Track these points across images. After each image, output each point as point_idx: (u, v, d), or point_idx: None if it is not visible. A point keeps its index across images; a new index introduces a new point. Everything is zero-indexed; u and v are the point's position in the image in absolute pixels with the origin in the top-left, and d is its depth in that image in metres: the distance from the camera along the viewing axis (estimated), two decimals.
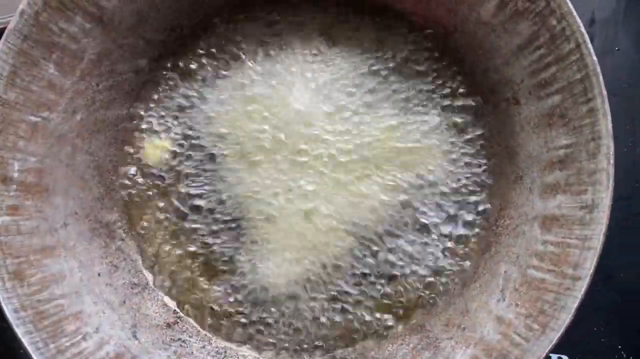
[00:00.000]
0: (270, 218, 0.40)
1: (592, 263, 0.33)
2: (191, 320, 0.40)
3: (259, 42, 0.42)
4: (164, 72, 0.42)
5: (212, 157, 0.41)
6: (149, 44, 0.41)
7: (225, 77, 0.42)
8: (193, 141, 0.42)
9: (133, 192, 0.41)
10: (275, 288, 0.40)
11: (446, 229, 0.41)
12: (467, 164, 0.41)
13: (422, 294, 0.40)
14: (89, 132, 0.40)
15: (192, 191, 0.41)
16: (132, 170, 0.42)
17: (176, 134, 0.42)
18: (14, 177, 0.35)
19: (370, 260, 0.40)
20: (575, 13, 0.34)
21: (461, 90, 0.42)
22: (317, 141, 0.41)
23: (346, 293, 0.40)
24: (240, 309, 0.40)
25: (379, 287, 0.40)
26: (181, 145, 0.42)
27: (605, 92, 0.33)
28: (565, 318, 0.33)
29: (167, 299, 0.41)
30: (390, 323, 0.40)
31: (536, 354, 0.33)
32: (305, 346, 0.40)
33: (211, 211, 0.41)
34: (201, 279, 0.41)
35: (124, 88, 0.41)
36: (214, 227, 0.41)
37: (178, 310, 0.41)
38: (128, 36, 0.40)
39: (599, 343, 0.45)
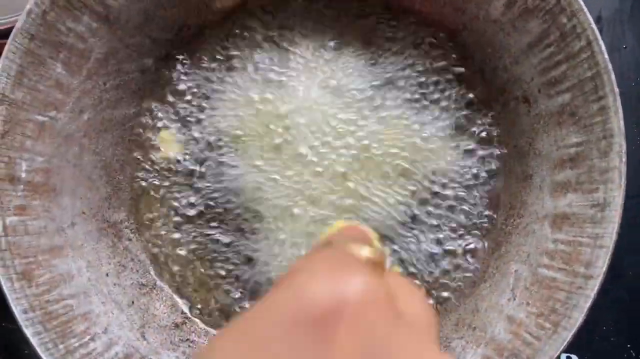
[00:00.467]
0: (279, 216, 0.40)
1: (604, 262, 0.32)
2: (199, 320, 0.40)
3: (267, 40, 0.42)
4: (171, 71, 0.42)
5: (219, 155, 0.41)
6: (155, 43, 0.41)
7: (233, 75, 0.42)
8: (200, 139, 0.41)
9: (140, 192, 0.41)
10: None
11: (455, 228, 0.40)
12: (476, 163, 0.41)
13: (433, 293, 0.40)
14: (96, 131, 0.40)
15: (200, 189, 0.41)
16: (139, 168, 0.41)
17: (183, 132, 0.42)
18: (22, 177, 0.35)
19: None
20: (586, 10, 0.34)
21: (470, 89, 0.41)
22: (324, 139, 0.41)
23: None
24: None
25: None
26: (188, 143, 0.41)
27: (617, 90, 0.33)
28: (577, 317, 0.32)
29: (175, 299, 0.40)
30: None
31: (549, 354, 0.33)
32: None
33: (219, 208, 0.41)
34: (209, 278, 0.40)
35: (130, 87, 0.41)
36: (222, 225, 0.41)
37: (186, 311, 0.40)
38: (135, 35, 0.39)
39: (608, 342, 0.45)
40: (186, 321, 0.40)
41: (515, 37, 0.38)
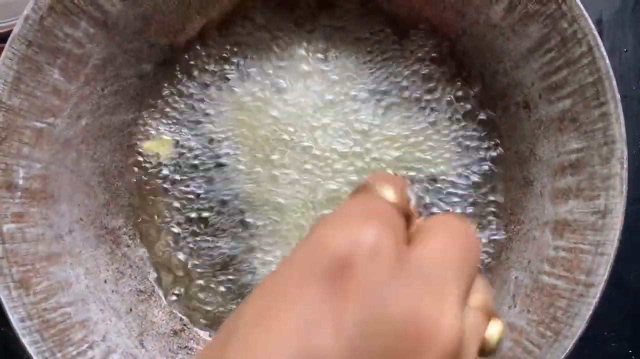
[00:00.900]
0: (278, 224, 0.40)
1: (605, 269, 0.32)
2: (197, 328, 0.40)
3: (266, 46, 0.42)
4: (170, 77, 0.42)
5: (217, 160, 0.41)
6: (154, 49, 0.41)
7: (231, 80, 0.42)
8: (198, 144, 0.41)
9: (138, 198, 0.41)
10: None
11: None
12: (476, 168, 0.41)
13: None
14: (94, 137, 0.39)
15: (196, 192, 0.41)
16: (137, 174, 0.41)
17: (181, 137, 0.41)
18: (19, 184, 0.35)
19: None
20: (587, 15, 0.34)
21: (470, 93, 0.41)
22: (322, 145, 0.41)
23: None
24: None
25: None
26: (185, 147, 0.41)
27: (618, 96, 0.33)
28: (579, 325, 0.32)
29: (173, 306, 0.40)
30: None
31: None
32: None
33: (217, 214, 0.40)
34: (208, 284, 0.40)
35: (129, 93, 0.41)
36: (220, 232, 0.40)
37: (185, 318, 0.40)
38: (133, 41, 0.39)
39: (610, 348, 0.45)
40: (184, 328, 0.40)
41: (516, 41, 0.37)
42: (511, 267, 0.38)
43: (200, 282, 0.40)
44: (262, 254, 0.40)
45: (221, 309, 0.40)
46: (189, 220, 0.41)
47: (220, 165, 0.41)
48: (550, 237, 0.36)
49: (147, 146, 0.41)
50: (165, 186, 0.41)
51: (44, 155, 0.36)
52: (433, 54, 0.42)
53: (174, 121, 0.42)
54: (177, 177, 0.41)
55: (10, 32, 0.34)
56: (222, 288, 0.40)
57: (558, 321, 0.33)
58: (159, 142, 0.42)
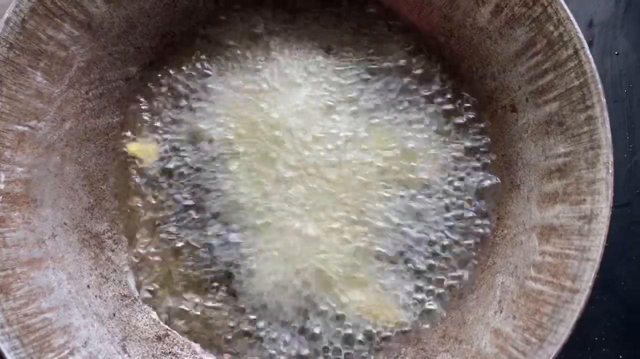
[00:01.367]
0: (263, 227, 0.40)
1: (590, 276, 0.32)
2: (181, 333, 0.40)
3: (251, 47, 0.42)
4: (155, 79, 0.42)
5: (202, 165, 0.41)
6: (139, 51, 0.40)
7: (217, 83, 0.41)
8: (184, 148, 0.41)
9: (122, 202, 0.41)
10: (268, 299, 0.39)
11: (442, 238, 0.40)
12: (463, 172, 0.40)
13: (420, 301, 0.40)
14: (79, 141, 0.39)
15: (183, 200, 0.40)
16: (122, 178, 0.41)
17: (167, 140, 0.41)
18: (0, 188, 0.35)
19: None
20: (573, 19, 0.33)
21: (457, 97, 0.41)
22: (312, 146, 0.40)
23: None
24: (233, 322, 0.39)
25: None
26: (172, 150, 0.41)
27: (604, 100, 0.33)
28: (564, 332, 0.32)
29: (157, 311, 0.40)
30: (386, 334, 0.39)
31: None
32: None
33: (203, 219, 0.40)
34: (192, 291, 0.40)
35: (114, 96, 0.40)
36: (206, 236, 0.40)
37: (168, 323, 0.40)
38: (118, 43, 0.39)
39: (600, 353, 0.44)
40: (168, 333, 0.40)
41: (502, 45, 0.37)
42: (498, 273, 0.38)
43: (184, 288, 0.40)
44: (249, 262, 0.40)
45: (206, 316, 0.40)
46: (174, 227, 0.40)
47: (205, 170, 0.41)
48: (537, 242, 0.36)
49: (132, 149, 0.41)
50: (148, 191, 0.41)
51: (27, 159, 0.36)
52: (420, 58, 0.41)
53: (160, 124, 0.41)
54: (161, 182, 0.41)
55: None
56: (208, 296, 0.40)
57: (543, 327, 0.33)
58: (144, 147, 0.41)
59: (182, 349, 0.39)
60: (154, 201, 0.41)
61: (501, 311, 0.36)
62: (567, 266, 0.33)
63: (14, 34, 0.34)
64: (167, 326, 0.40)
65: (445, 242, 0.40)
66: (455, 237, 0.40)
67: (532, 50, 0.35)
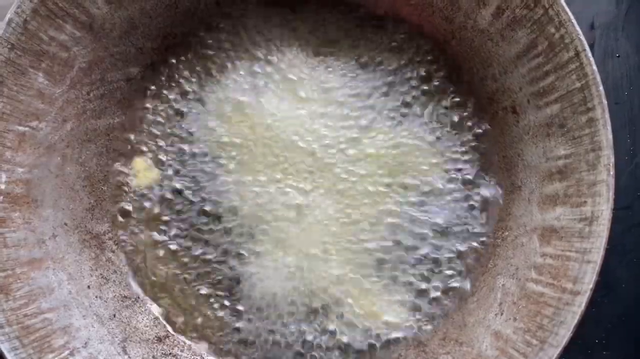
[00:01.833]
0: (264, 231, 0.40)
1: (591, 278, 0.32)
2: (182, 335, 0.40)
3: (251, 50, 0.42)
4: (156, 80, 0.42)
5: (203, 166, 0.41)
6: (140, 52, 0.40)
7: (218, 84, 0.41)
8: (185, 150, 0.41)
9: (123, 203, 0.41)
10: (269, 303, 0.39)
11: (442, 240, 0.40)
12: (464, 174, 0.40)
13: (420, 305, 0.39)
14: (80, 141, 0.39)
15: (186, 203, 0.40)
16: (123, 178, 0.41)
17: (167, 143, 0.41)
18: (1, 188, 0.35)
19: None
20: (574, 21, 0.33)
21: (458, 98, 0.41)
22: (309, 150, 0.40)
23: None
24: (234, 324, 0.39)
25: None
26: (172, 153, 0.41)
27: (605, 102, 0.33)
28: (564, 334, 0.32)
29: (157, 312, 0.40)
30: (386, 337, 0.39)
31: None
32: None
33: (204, 225, 0.40)
34: (193, 292, 0.40)
35: (115, 96, 0.40)
36: (206, 240, 0.40)
37: (169, 324, 0.40)
38: (119, 44, 0.39)
39: (601, 356, 0.44)
40: (169, 334, 0.40)
41: (504, 46, 0.37)
42: (499, 275, 0.38)
43: (185, 291, 0.40)
44: (248, 265, 0.40)
45: (206, 317, 0.39)
46: (176, 230, 0.40)
47: (205, 176, 0.40)
48: (537, 244, 0.36)
49: (134, 168, 0.41)
50: (149, 194, 0.41)
51: (28, 159, 0.36)
52: (421, 59, 0.41)
53: (161, 125, 0.41)
54: (162, 187, 0.41)
55: None
56: (208, 298, 0.40)
57: (544, 329, 0.33)
58: (143, 168, 0.41)
59: (182, 351, 0.39)
60: (154, 207, 0.41)
61: (502, 313, 0.36)
62: (568, 268, 0.33)
63: (16, 34, 0.34)
64: (169, 328, 0.40)
65: (446, 245, 0.40)
66: (456, 240, 0.40)
67: (533, 52, 0.35)
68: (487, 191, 0.40)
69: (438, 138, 0.41)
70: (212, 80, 0.42)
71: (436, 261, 0.40)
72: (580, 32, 0.33)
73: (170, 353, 0.39)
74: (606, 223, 0.32)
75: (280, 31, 0.42)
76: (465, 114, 0.41)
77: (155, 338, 0.39)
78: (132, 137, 0.41)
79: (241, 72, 0.41)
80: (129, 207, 0.41)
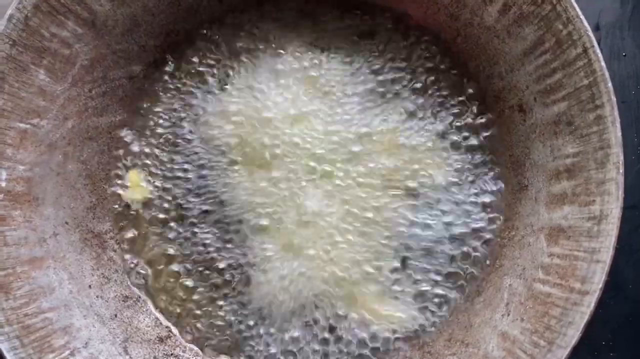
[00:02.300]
0: (266, 230, 0.39)
1: (601, 277, 0.31)
2: (183, 335, 0.39)
3: (253, 47, 0.41)
4: (159, 78, 0.41)
5: (204, 167, 0.40)
6: (143, 50, 0.40)
7: (221, 82, 0.41)
8: (185, 151, 0.41)
9: (123, 205, 0.40)
10: (274, 303, 0.39)
11: (447, 240, 0.39)
12: (470, 173, 0.40)
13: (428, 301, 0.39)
14: (81, 139, 0.39)
15: (185, 204, 0.40)
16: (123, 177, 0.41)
17: (168, 142, 0.41)
18: (2, 186, 0.34)
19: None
20: (582, 17, 0.33)
21: (463, 97, 0.41)
22: (315, 149, 0.40)
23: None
24: (237, 326, 0.39)
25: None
26: (173, 152, 0.41)
27: (614, 99, 0.32)
28: (573, 335, 0.31)
29: (160, 312, 0.39)
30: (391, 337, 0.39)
31: None
32: None
33: (207, 224, 0.40)
34: (196, 292, 0.39)
35: (117, 94, 0.40)
36: (211, 240, 0.40)
37: (171, 324, 0.39)
38: (122, 41, 0.39)
39: (607, 358, 0.44)
40: (170, 334, 0.39)
41: (510, 44, 0.37)
42: (505, 275, 0.37)
43: (188, 290, 0.39)
44: (250, 266, 0.39)
45: (208, 318, 0.39)
46: (174, 229, 0.40)
47: (208, 173, 0.40)
48: (545, 244, 0.35)
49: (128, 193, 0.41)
50: (149, 196, 0.40)
51: (29, 156, 0.36)
52: (426, 56, 0.41)
53: (163, 123, 0.41)
54: (164, 187, 0.40)
55: None
56: (211, 298, 0.39)
57: (552, 330, 0.32)
58: (135, 186, 0.41)
59: (184, 351, 0.39)
60: (154, 208, 0.40)
61: (509, 314, 0.35)
62: (576, 268, 0.33)
63: (17, 31, 0.34)
64: (170, 328, 0.39)
65: (452, 246, 0.39)
66: (462, 240, 0.39)
67: (540, 49, 0.35)
68: (493, 190, 0.40)
69: (443, 137, 0.40)
70: (215, 77, 0.41)
71: (442, 262, 0.39)
72: (588, 28, 0.33)
73: (171, 354, 0.38)
74: (616, 221, 0.31)
75: (283, 28, 0.42)
76: (470, 113, 0.40)
77: (157, 338, 0.39)
78: (131, 136, 0.41)
79: (243, 70, 0.41)
80: (129, 208, 0.40)
